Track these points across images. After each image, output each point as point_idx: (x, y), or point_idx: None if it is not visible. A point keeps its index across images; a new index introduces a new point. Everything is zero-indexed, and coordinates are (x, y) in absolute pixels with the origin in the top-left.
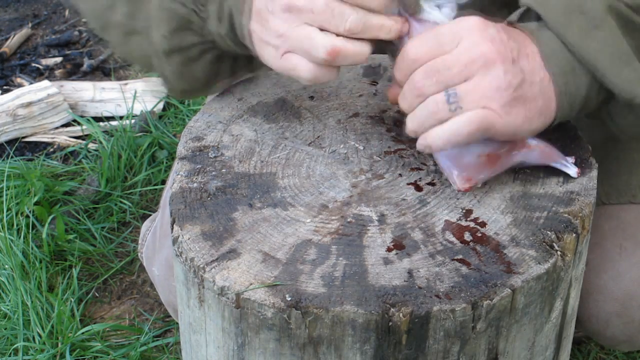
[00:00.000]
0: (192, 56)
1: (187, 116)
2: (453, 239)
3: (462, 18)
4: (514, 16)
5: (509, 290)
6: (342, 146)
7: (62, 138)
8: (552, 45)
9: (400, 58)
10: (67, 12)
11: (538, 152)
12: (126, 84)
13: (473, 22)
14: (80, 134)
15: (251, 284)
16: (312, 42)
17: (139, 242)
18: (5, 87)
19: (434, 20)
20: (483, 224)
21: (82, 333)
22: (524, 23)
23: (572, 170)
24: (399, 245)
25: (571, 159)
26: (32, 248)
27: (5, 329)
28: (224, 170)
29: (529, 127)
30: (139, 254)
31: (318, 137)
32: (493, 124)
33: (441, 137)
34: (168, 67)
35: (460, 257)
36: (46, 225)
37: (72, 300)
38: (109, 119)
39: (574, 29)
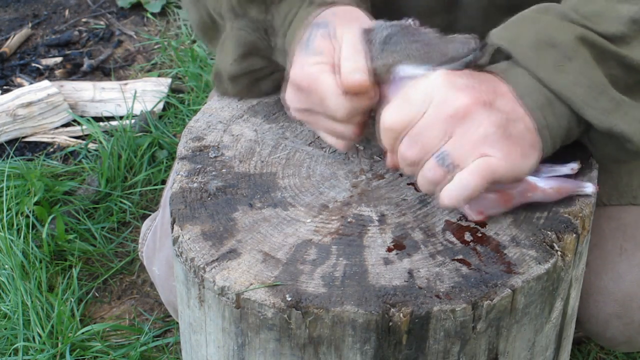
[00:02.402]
0: (259, 77)
1: (187, 116)
2: (453, 239)
3: (427, 75)
4: (485, 58)
5: (509, 290)
6: None
7: (62, 138)
8: (525, 82)
9: (379, 129)
10: (67, 12)
11: (553, 192)
12: (126, 84)
13: (439, 77)
14: (80, 134)
15: (251, 284)
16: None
17: (139, 241)
18: (5, 87)
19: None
20: (483, 224)
21: (82, 333)
22: (493, 65)
23: (589, 190)
24: (399, 246)
25: (576, 165)
26: (32, 248)
27: (5, 329)
28: (224, 170)
29: (528, 162)
30: (139, 254)
31: (318, 137)
32: (496, 169)
33: (452, 197)
34: (233, 89)
35: (460, 257)
36: (46, 225)
37: (72, 300)
38: (109, 119)
39: (546, 64)
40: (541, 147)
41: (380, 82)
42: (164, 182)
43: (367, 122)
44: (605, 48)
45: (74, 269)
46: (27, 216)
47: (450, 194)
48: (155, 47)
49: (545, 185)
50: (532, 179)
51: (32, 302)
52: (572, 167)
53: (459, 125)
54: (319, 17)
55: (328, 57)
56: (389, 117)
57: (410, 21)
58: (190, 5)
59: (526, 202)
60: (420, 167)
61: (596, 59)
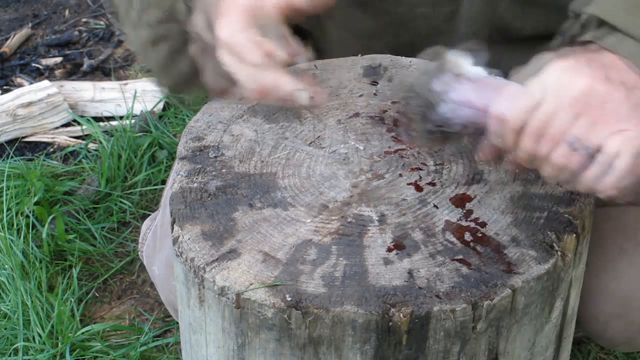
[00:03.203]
0: (177, 47)
1: (187, 116)
2: (453, 239)
3: (537, 64)
4: (576, 29)
5: (509, 290)
6: (342, 146)
7: (62, 138)
8: (627, 45)
9: (496, 127)
10: (67, 12)
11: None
12: (126, 84)
13: (550, 62)
14: (80, 134)
15: (251, 284)
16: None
17: (139, 241)
18: (5, 87)
19: (479, 75)
20: (483, 224)
21: (82, 333)
22: (588, 35)
23: None
24: (399, 246)
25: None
26: (32, 248)
27: (5, 329)
28: (224, 170)
29: None
30: (139, 253)
31: (318, 137)
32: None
33: (610, 186)
34: (154, 58)
35: (460, 257)
36: (46, 225)
37: (72, 300)
38: (109, 119)
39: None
40: None
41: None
42: (164, 182)
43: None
44: None
45: (74, 269)
46: (27, 216)
47: (609, 184)
48: None
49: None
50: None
51: (32, 302)
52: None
53: (584, 108)
54: None
55: None
56: (510, 111)
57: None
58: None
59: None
60: (549, 160)
61: None
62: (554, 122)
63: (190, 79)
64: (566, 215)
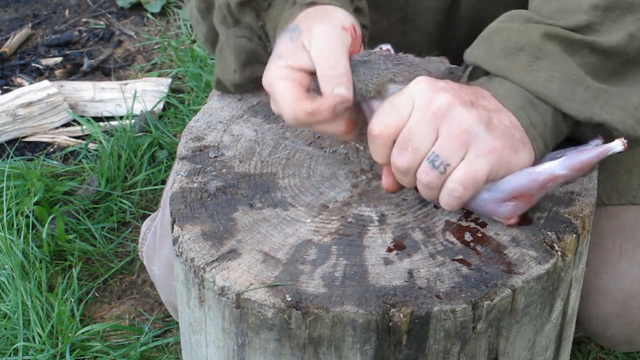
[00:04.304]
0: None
1: (187, 116)
2: (453, 239)
3: (410, 82)
4: (463, 78)
5: (510, 290)
6: (342, 146)
7: (62, 138)
8: (503, 87)
9: (369, 141)
10: (67, 12)
11: (576, 171)
12: (126, 84)
13: (422, 81)
14: (80, 134)
15: (251, 284)
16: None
17: (139, 241)
18: (5, 87)
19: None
20: (483, 224)
21: (82, 333)
22: (473, 82)
23: (618, 147)
24: (399, 246)
25: (599, 140)
26: (32, 248)
27: (5, 329)
28: (224, 170)
29: (519, 158)
30: (139, 253)
31: (318, 137)
32: (481, 169)
33: (451, 206)
34: (240, 90)
35: (460, 257)
36: (46, 225)
37: (72, 300)
38: (109, 119)
39: (516, 67)
40: (531, 145)
41: (366, 100)
42: (164, 182)
43: (355, 120)
44: (573, 39)
45: (74, 269)
46: (27, 216)
47: (447, 204)
48: (155, 47)
49: (564, 169)
50: (547, 169)
51: (32, 302)
52: (596, 143)
53: (443, 123)
54: (293, 21)
55: (288, 60)
56: (377, 124)
57: (388, 46)
58: (198, 20)
59: (551, 191)
60: (414, 174)
61: (566, 51)
62: (416, 136)
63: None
64: (566, 216)
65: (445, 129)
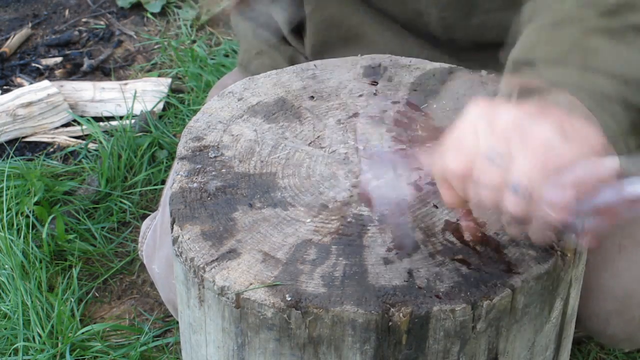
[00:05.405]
0: None
1: (187, 116)
2: (453, 239)
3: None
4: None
5: (509, 290)
6: (342, 146)
7: (62, 138)
8: (562, 96)
9: (440, 186)
10: (67, 12)
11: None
12: (126, 84)
13: (474, 108)
14: (80, 134)
15: (251, 284)
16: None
17: (139, 240)
18: (5, 87)
19: None
20: (483, 224)
21: (82, 333)
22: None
23: None
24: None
25: None
26: (32, 248)
27: (5, 329)
28: (224, 170)
29: (604, 163)
30: (139, 252)
31: (318, 137)
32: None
33: (543, 239)
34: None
35: (460, 257)
36: (46, 225)
37: (72, 300)
38: (109, 119)
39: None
40: (610, 146)
41: None
42: (164, 182)
43: None
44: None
45: (74, 269)
46: (27, 216)
47: (538, 237)
48: (155, 47)
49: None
50: (633, 190)
51: (32, 302)
52: None
53: (514, 142)
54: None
55: None
56: (447, 165)
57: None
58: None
59: (636, 214)
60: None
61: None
62: (489, 168)
63: None
64: None
65: (518, 147)
